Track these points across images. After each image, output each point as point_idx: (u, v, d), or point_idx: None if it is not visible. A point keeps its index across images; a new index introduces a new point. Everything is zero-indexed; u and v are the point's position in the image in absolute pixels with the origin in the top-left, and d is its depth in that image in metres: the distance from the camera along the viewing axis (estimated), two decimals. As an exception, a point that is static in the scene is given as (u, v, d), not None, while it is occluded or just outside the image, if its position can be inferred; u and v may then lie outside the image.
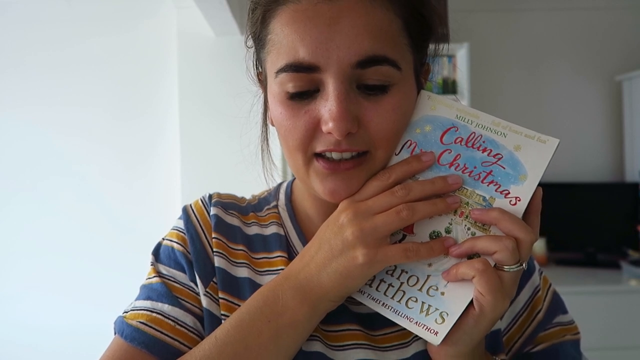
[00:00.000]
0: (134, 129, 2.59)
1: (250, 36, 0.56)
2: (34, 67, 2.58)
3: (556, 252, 2.59)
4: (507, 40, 2.78)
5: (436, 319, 0.44)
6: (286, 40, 0.47)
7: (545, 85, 2.79)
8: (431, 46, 0.57)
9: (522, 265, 0.43)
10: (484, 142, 0.46)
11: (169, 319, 0.53)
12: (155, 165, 2.60)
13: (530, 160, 0.45)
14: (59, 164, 2.57)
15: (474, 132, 0.47)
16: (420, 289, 0.46)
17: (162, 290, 0.55)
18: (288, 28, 0.47)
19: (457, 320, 0.44)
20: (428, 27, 0.53)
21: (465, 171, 0.46)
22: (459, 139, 0.47)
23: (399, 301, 0.46)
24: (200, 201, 0.62)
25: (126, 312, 0.54)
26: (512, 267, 0.43)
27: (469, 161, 0.46)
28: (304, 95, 0.48)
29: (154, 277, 0.56)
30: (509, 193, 0.45)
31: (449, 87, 2.52)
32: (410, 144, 0.48)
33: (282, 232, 0.59)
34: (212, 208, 0.60)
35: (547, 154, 0.46)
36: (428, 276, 0.46)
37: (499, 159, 0.46)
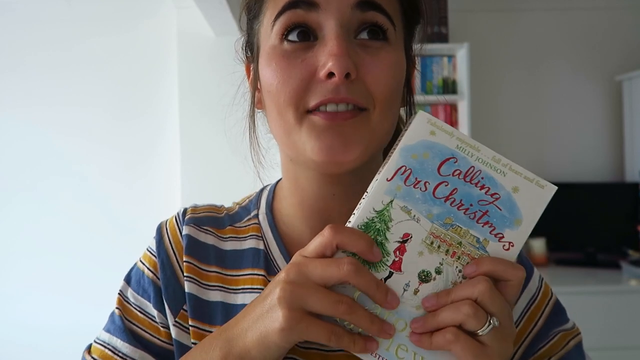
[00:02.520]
0: (134, 129, 2.59)
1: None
2: (34, 67, 2.58)
3: (556, 252, 2.59)
4: (507, 40, 2.78)
5: None
6: None
7: (545, 85, 2.79)
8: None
9: (492, 323, 0.40)
10: (482, 178, 0.43)
11: (118, 355, 0.54)
12: (155, 165, 2.60)
13: (527, 204, 0.44)
14: (59, 164, 2.57)
15: (474, 166, 0.44)
16: (409, 336, 0.43)
17: (119, 324, 0.55)
18: None
19: None
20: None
21: (460, 208, 0.43)
22: (457, 172, 0.43)
23: (387, 349, 0.43)
24: (174, 219, 0.59)
25: (94, 342, 0.56)
26: (484, 329, 0.40)
27: (466, 197, 0.43)
28: (303, 38, 0.47)
29: (117, 308, 0.56)
30: (503, 237, 0.43)
31: (449, 87, 2.52)
32: (405, 171, 0.43)
33: (261, 246, 0.56)
34: (184, 227, 0.57)
35: (544, 199, 0.44)
36: None
37: (497, 199, 0.44)
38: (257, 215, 0.59)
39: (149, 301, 0.55)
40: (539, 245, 2.53)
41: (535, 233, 2.74)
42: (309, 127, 0.46)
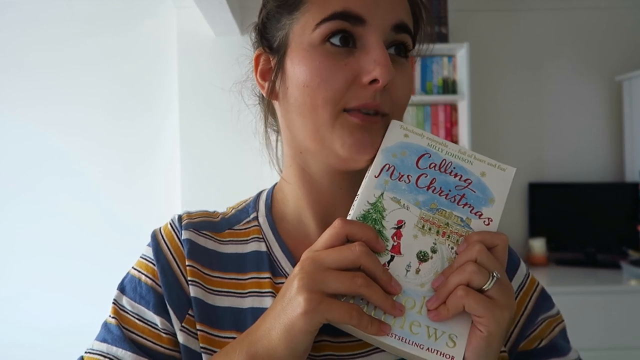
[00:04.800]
0: (134, 129, 2.59)
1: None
2: (34, 67, 2.58)
3: (556, 252, 2.59)
4: (507, 40, 2.78)
5: (447, 343, 0.46)
6: None
7: (545, 85, 2.79)
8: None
9: (495, 276, 0.45)
10: (454, 168, 0.51)
11: None
12: (155, 166, 2.60)
13: (495, 185, 0.51)
14: (59, 164, 2.58)
15: (445, 159, 0.51)
16: (419, 312, 0.46)
17: (117, 333, 0.54)
18: None
19: (469, 346, 0.45)
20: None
21: (442, 194, 0.50)
22: (433, 165, 0.51)
23: (401, 327, 0.46)
24: (169, 225, 0.59)
25: (86, 353, 0.55)
26: (489, 283, 0.44)
27: (444, 185, 0.50)
28: (346, 44, 0.50)
29: (113, 317, 0.56)
30: (482, 214, 0.50)
31: (449, 87, 2.52)
32: (389, 168, 0.51)
33: (263, 249, 0.57)
34: (183, 232, 0.58)
35: (508, 179, 0.51)
36: (424, 297, 0.47)
37: (469, 183, 0.51)
38: (256, 218, 0.60)
39: (148, 308, 0.55)
40: (539, 245, 2.53)
41: (535, 233, 2.73)
42: (342, 124, 0.50)
